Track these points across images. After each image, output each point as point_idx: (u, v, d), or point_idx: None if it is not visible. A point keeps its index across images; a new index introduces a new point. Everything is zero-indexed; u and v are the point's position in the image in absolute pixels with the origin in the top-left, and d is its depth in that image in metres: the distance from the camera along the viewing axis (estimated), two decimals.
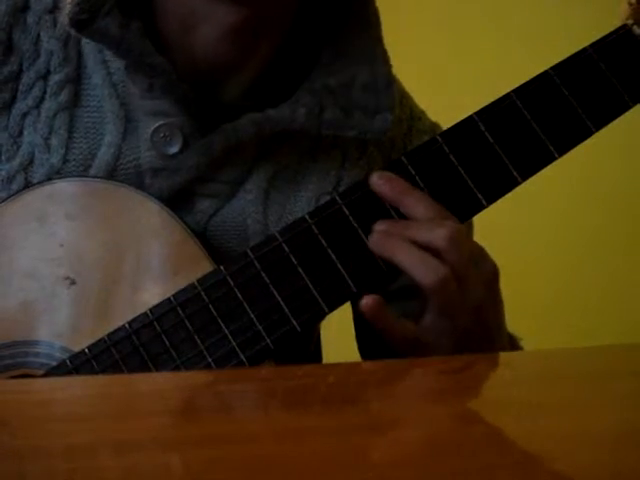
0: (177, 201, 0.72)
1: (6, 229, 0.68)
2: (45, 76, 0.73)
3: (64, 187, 0.69)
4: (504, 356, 0.75)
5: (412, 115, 0.82)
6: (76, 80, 0.73)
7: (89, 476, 0.38)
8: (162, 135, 0.72)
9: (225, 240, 0.73)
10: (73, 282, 0.67)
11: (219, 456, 0.40)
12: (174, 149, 0.72)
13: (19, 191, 0.70)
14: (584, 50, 0.69)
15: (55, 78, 0.73)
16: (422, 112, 0.84)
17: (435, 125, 0.83)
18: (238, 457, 0.40)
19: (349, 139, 0.75)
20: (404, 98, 0.82)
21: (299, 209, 0.75)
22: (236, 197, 0.74)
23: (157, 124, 0.72)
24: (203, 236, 0.72)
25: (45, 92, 0.73)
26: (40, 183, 0.69)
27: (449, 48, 1.70)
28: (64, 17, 0.70)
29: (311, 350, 0.87)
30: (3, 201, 0.69)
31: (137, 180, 0.72)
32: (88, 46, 0.74)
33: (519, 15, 1.75)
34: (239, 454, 0.41)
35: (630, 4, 0.71)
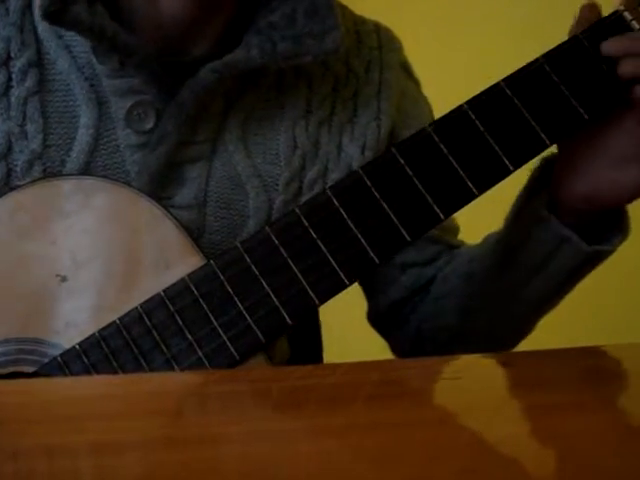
0: (168, 175, 0.74)
1: None
2: (6, 62, 0.74)
3: (57, 185, 0.69)
4: (504, 356, 0.74)
5: (355, 21, 0.86)
6: (39, 65, 0.74)
7: (67, 477, 0.37)
8: (136, 113, 0.73)
9: (227, 195, 0.76)
10: (64, 279, 0.67)
11: (214, 457, 0.40)
12: (149, 124, 0.73)
13: (2, 179, 0.72)
14: (575, 37, 0.69)
15: (17, 64, 0.74)
16: (361, 16, 0.87)
17: (376, 22, 0.87)
18: (233, 458, 0.40)
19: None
20: (343, 9, 0.85)
21: (280, 141, 0.78)
22: (218, 152, 0.76)
23: (130, 103, 0.73)
24: (205, 205, 0.75)
25: (10, 79, 0.74)
26: (33, 181, 0.70)
27: (444, 44, 1.70)
28: (37, 11, 0.71)
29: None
30: (3, 194, 0.69)
31: (119, 159, 0.73)
32: (46, 33, 0.75)
33: (514, 9, 1.74)
34: (234, 455, 0.41)
35: None
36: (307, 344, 0.93)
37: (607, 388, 0.53)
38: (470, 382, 0.59)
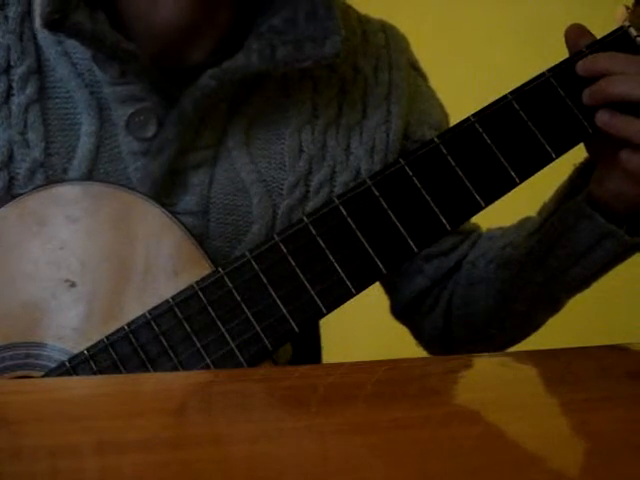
0: (170, 182, 0.74)
1: (7, 232, 0.68)
2: (6, 70, 0.74)
3: (65, 190, 0.69)
4: (504, 356, 0.75)
5: (360, 20, 0.86)
6: (39, 72, 0.74)
7: (70, 477, 0.38)
8: (137, 120, 0.73)
9: (230, 201, 0.76)
10: (73, 284, 0.67)
11: (218, 456, 0.40)
12: (151, 132, 0.74)
13: (4, 188, 0.72)
14: (581, 52, 0.70)
15: (18, 72, 0.73)
16: (366, 15, 0.88)
17: (382, 20, 0.88)
18: (237, 457, 0.41)
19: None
20: (347, 8, 0.85)
21: (285, 145, 0.78)
22: (221, 158, 0.76)
23: (131, 110, 0.73)
24: (207, 211, 0.75)
25: (11, 87, 0.73)
26: (41, 186, 0.70)
27: (448, 47, 1.71)
28: (37, 19, 0.70)
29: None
30: (6, 202, 0.69)
31: (121, 166, 0.74)
32: (45, 40, 0.74)
33: (518, 14, 1.75)
34: (238, 454, 0.41)
35: (627, 7, 0.72)
36: (307, 344, 0.93)
37: (606, 389, 0.54)
38: (471, 381, 0.59)
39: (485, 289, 0.84)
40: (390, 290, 0.90)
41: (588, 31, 0.71)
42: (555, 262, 0.78)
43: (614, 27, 0.71)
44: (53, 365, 0.67)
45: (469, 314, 0.86)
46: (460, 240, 0.87)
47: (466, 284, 0.85)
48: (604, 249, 0.75)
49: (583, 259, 0.77)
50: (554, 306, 0.83)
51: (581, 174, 0.77)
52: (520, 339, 0.86)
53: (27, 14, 0.74)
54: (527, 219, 0.83)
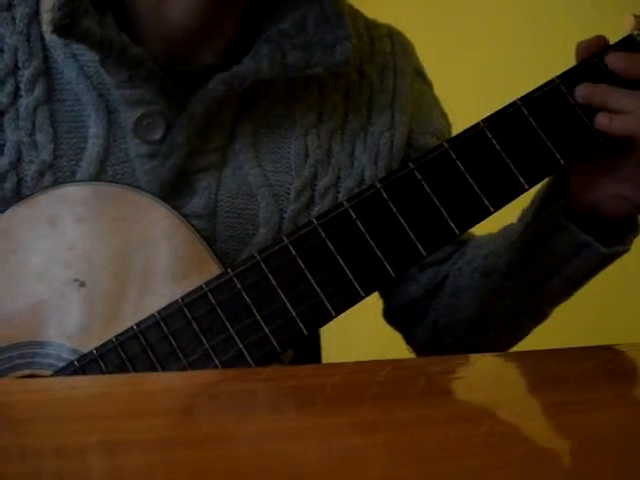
0: (178, 185, 0.74)
1: (17, 231, 0.68)
2: (14, 71, 0.73)
3: (75, 190, 0.69)
4: (504, 356, 0.75)
5: (368, 25, 0.86)
6: (47, 74, 0.74)
7: (76, 476, 0.38)
8: (145, 123, 0.73)
9: (237, 204, 0.76)
10: (82, 284, 0.68)
11: (224, 455, 0.40)
12: (158, 134, 0.74)
13: (13, 190, 0.72)
14: (590, 59, 0.70)
15: (26, 73, 0.73)
16: (373, 20, 0.88)
17: (389, 26, 0.88)
18: (242, 457, 0.41)
19: None
20: (355, 13, 0.86)
21: (291, 149, 0.79)
22: (229, 161, 0.77)
23: (139, 113, 0.73)
24: (215, 214, 0.75)
25: (19, 88, 0.73)
26: (51, 186, 0.70)
27: (449, 48, 1.71)
28: (46, 25, 0.70)
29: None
30: (15, 204, 0.70)
31: (129, 169, 0.74)
32: (53, 41, 0.74)
33: (521, 15, 1.76)
34: (243, 454, 0.41)
35: (635, 16, 0.72)
36: (308, 344, 0.93)
37: (606, 388, 0.54)
38: (475, 380, 0.59)
39: (467, 298, 0.84)
40: (384, 295, 0.91)
41: (599, 47, 0.71)
42: (534, 273, 0.78)
43: (622, 35, 0.72)
44: (61, 364, 0.67)
45: (454, 322, 0.86)
46: (455, 249, 0.87)
47: (452, 292, 0.86)
48: (581, 259, 0.75)
49: (561, 270, 0.77)
50: (537, 316, 0.83)
51: (555, 187, 0.76)
52: (506, 348, 0.86)
53: (34, 15, 0.74)
54: (509, 227, 0.83)
